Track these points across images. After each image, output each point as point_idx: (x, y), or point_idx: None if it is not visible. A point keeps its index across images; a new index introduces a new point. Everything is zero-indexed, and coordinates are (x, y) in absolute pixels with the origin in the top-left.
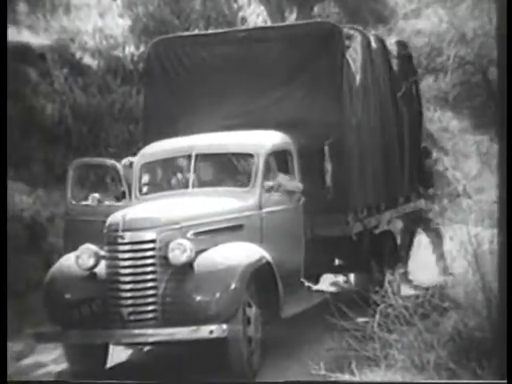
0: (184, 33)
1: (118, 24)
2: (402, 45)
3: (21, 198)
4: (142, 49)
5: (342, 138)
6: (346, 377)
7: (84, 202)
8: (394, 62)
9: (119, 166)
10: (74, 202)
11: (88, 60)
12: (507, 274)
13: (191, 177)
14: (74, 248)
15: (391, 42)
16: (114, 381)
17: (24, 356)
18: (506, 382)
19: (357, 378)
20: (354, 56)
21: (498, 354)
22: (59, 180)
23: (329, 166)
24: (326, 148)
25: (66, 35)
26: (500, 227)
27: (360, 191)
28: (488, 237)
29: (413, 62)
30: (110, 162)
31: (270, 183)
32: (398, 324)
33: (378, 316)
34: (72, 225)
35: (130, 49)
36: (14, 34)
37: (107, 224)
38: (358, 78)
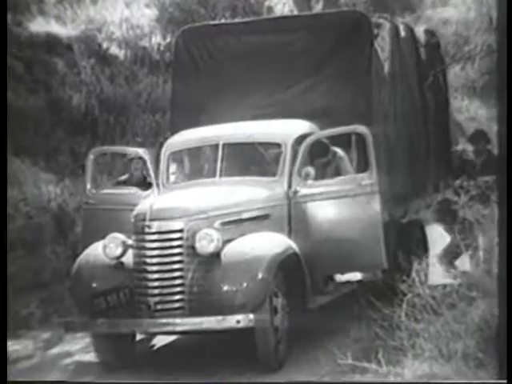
0: (212, 22)
1: (145, 14)
2: (430, 33)
3: (48, 188)
4: (168, 39)
5: (369, 128)
6: (373, 366)
7: (105, 191)
8: (422, 51)
9: (142, 153)
10: (94, 191)
11: (115, 50)
12: (507, 274)
13: (218, 166)
14: (94, 237)
15: (419, 31)
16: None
17: (52, 345)
18: (505, 382)
19: (384, 368)
20: (382, 45)
21: None
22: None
23: (355, 156)
24: (353, 137)
25: (93, 25)
26: (501, 228)
27: (387, 180)
28: None
29: (441, 50)
30: (133, 150)
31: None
32: (426, 313)
33: (405, 306)
34: (92, 214)
35: (157, 39)
36: (41, 25)
37: (135, 213)
38: (385, 66)
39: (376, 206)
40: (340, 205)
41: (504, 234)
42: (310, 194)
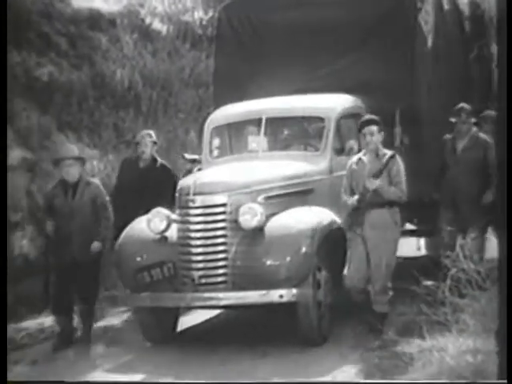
0: None
1: None
2: (474, 5)
3: (92, 163)
4: (210, 13)
5: (413, 103)
6: (417, 341)
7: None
8: (466, 23)
9: None
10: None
11: (157, 25)
12: (507, 273)
13: (262, 140)
14: None
15: (463, 2)
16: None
17: (96, 319)
18: (505, 382)
19: (428, 343)
20: (426, 18)
21: None
22: (129, 145)
23: (399, 131)
24: (397, 112)
25: (136, 1)
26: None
27: (432, 155)
28: None
29: (485, 22)
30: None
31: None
32: (470, 289)
33: (449, 281)
34: None
35: (199, 13)
36: (84, 0)
37: (179, 188)
38: (429, 40)
39: None
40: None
41: (504, 235)
42: (344, 168)
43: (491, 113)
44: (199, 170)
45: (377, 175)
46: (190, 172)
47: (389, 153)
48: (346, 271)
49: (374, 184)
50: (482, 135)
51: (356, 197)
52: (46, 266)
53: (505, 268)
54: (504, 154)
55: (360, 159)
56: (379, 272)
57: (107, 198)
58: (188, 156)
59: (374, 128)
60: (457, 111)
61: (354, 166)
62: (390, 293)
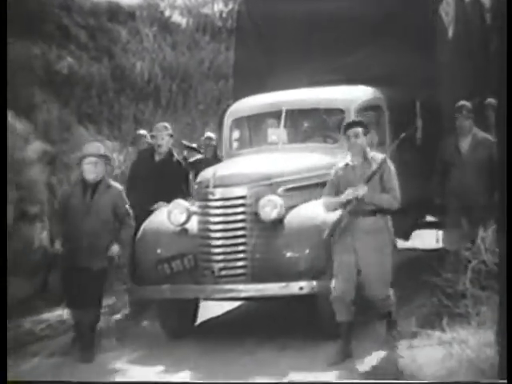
0: None
1: None
2: None
3: (112, 155)
4: (230, 5)
5: (433, 94)
6: (437, 333)
7: None
8: (488, 15)
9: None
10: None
11: (177, 18)
12: (507, 273)
13: (281, 133)
14: None
15: None
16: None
17: (115, 311)
18: (506, 382)
19: (448, 335)
20: (447, 9)
21: None
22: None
23: (420, 122)
24: (418, 103)
25: None
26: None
27: None
28: None
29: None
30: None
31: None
32: (491, 281)
33: (469, 273)
34: None
35: (219, 6)
36: None
37: (198, 180)
38: (450, 31)
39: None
40: None
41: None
42: None
43: (492, 100)
44: (197, 160)
45: (368, 180)
46: (185, 160)
47: (380, 156)
48: (333, 283)
49: (363, 190)
50: (483, 134)
51: (338, 198)
52: (49, 262)
53: (505, 268)
54: (504, 154)
55: (347, 164)
56: (376, 281)
57: (128, 206)
58: (186, 143)
59: (359, 130)
60: (458, 109)
61: (341, 172)
62: (393, 298)
